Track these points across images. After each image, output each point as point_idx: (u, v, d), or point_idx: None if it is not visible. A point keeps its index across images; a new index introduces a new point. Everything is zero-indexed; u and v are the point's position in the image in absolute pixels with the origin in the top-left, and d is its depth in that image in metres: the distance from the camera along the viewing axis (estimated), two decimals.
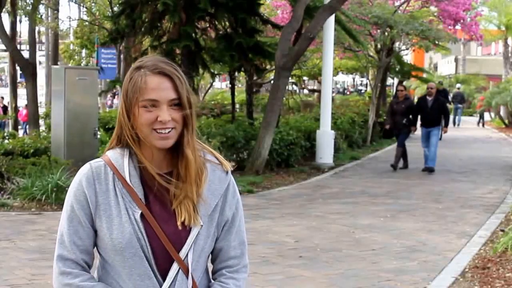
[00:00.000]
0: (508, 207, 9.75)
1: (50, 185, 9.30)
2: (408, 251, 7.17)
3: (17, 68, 17.66)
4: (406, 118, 13.95)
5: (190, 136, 1.89)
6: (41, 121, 16.61)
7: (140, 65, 1.88)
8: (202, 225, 1.90)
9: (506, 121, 28.74)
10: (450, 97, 29.31)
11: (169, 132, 1.84)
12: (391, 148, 18.32)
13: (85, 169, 1.92)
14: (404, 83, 30.20)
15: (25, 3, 19.58)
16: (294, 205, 10.03)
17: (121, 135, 1.92)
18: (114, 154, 1.92)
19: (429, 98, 13.80)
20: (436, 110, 13.57)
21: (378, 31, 21.71)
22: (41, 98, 23.55)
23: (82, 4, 27.05)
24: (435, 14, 24.01)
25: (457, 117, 30.07)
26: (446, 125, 14.59)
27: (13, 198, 9.51)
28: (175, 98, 1.84)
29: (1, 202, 9.22)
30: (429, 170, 13.69)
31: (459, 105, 30.73)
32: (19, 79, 23.22)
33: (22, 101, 21.07)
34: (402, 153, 14.25)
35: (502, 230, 8.02)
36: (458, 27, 23.61)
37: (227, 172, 2.00)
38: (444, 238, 7.83)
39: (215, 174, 1.97)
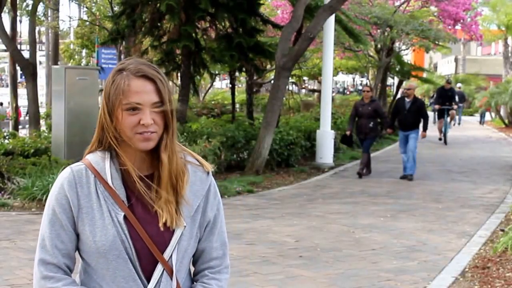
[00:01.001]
0: (508, 207, 9.76)
1: (50, 185, 9.29)
2: (408, 251, 7.18)
3: (18, 68, 17.67)
4: (373, 121, 12.78)
5: (170, 140, 1.88)
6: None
7: (122, 68, 1.88)
8: (185, 226, 1.91)
9: (506, 121, 28.74)
10: (464, 95, 27.71)
11: (151, 133, 1.84)
12: (391, 148, 18.34)
13: (66, 173, 1.92)
14: (404, 83, 29.95)
15: (25, 3, 19.61)
16: (294, 205, 10.04)
17: (102, 137, 1.92)
18: (94, 157, 1.93)
19: (407, 100, 12.91)
20: (414, 112, 12.66)
21: (378, 31, 21.73)
22: (42, 98, 23.58)
23: (82, 4, 27.06)
24: (435, 14, 24.03)
25: (457, 117, 30.10)
26: (425, 129, 13.15)
27: (14, 198, 9.52)
28: (157, 102, 1.84)
29: (2, 202, 9.23)
30: (407, 178, 12.67)
31: (460, 104, 30.77)
32: (19, 79, 23.22)
33: (22, 101, 21.07)
34: (368, 160, 13.14)
35: (502, 230, 8.02)
36: (458, 27, 23.62)
37: (208, 173, 2.01)
38: (444, 238, 7.83)
39: (196, 175, 1.97)
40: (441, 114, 19.76)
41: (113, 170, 1.90)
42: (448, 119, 20.22)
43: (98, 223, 1.86)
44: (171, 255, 1.89)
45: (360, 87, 58.57)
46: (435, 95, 22.88)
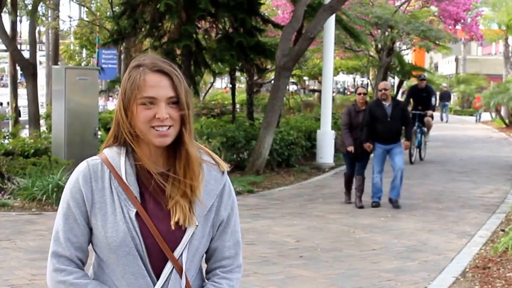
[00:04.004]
0: (509, 206, 9.75)
1: (50, 185, 9.30)
2: (408, 251, 7.17)
3: (18, 68, 17.66)
4: None
5: (189, 134, 1.89)
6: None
7: (138, 63, 1.89)
8: (197, 225, 1.90)
9: (507, 121, 28.73)
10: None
11: (167, 129, 1.85)
12: None
13: (82, 166, 1.93)
14: (405, 82, 29.77)
15: (25, 3, 19.59)
16: (295, 205, 10.03)
17: (118, 133, 1.92)
18: (110, 152, 1.93)
19: (385, 104, 9.65)
20: (397, 119, 9.64)
21: (379, 31, 21.74)
22: (42, 98, 23.57)
23: (82, 4, 27.07)
24: (436, 14, 24.04)
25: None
26: (409, 138, 10.62)
27: (14, 198, 9.51)
28: (173, 96, 1.85)
29: (2, 202, 9.22)
30: (393, 204, 9.74)
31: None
32: (19, 79, 23.22)
33: (22, 101, 21.07)
34: (363, 183, 10.03)
35: (503, 230, 8.02)
36: (458, 27, 23.63)
37: (223, 173, 2.00)
38: (444, 238, 7.83)
39: (211, 174, 1.97)
40: (413, 121, 13.63)
41: (127, 166, 1.90)
42: (425, 129, 15.23)
43: (110, 219, 1.87)
44: (182, 254, 1.89)
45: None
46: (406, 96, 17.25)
